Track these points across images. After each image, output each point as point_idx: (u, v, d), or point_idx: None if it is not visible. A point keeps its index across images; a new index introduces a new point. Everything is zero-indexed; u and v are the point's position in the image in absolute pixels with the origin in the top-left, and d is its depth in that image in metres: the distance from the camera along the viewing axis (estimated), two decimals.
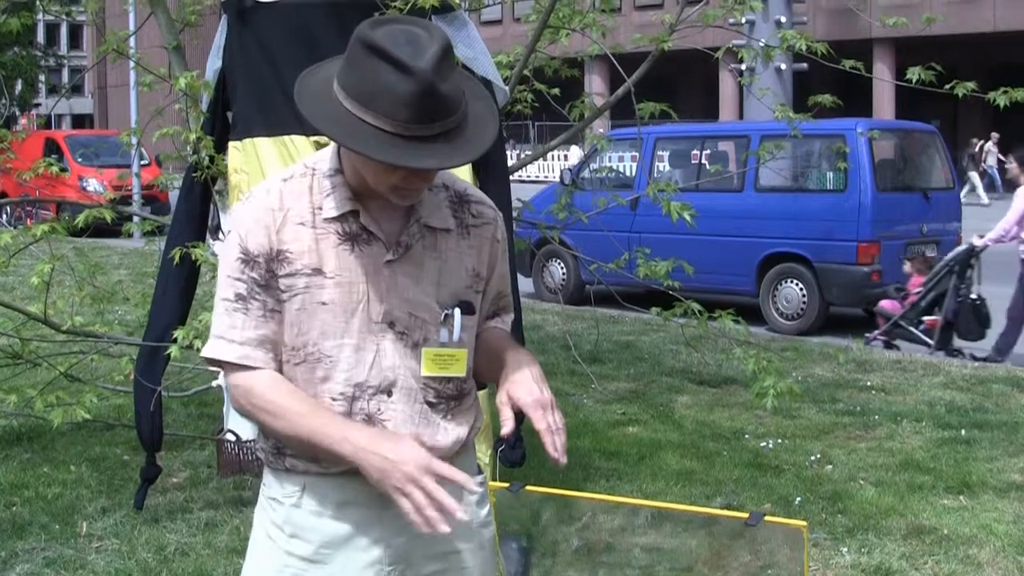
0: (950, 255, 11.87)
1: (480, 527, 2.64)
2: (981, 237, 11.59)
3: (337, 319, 2.46)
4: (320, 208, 2.48)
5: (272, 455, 2.56)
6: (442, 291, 2.52)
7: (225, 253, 2.51)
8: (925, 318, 11.82)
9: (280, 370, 2.51)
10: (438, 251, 2.53)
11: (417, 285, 2.50)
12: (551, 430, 2.45)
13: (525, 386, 2.48)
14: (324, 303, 2.45)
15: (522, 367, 2.53)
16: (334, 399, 2.47)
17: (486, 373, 2.64)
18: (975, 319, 11.51)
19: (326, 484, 2.50)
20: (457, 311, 2.52)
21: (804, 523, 2.79)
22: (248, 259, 2.47)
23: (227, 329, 2.48)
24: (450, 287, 2.54)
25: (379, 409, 2.48)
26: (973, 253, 11.69)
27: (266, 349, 2.50)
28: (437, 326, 2.52)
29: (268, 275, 2.47)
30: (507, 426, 2.46)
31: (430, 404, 2.52)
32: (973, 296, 11.50)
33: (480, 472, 2.70)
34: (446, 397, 2.55)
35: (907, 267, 12.45)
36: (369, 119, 2.32)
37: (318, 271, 2.45)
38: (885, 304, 12.21)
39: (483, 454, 5.68)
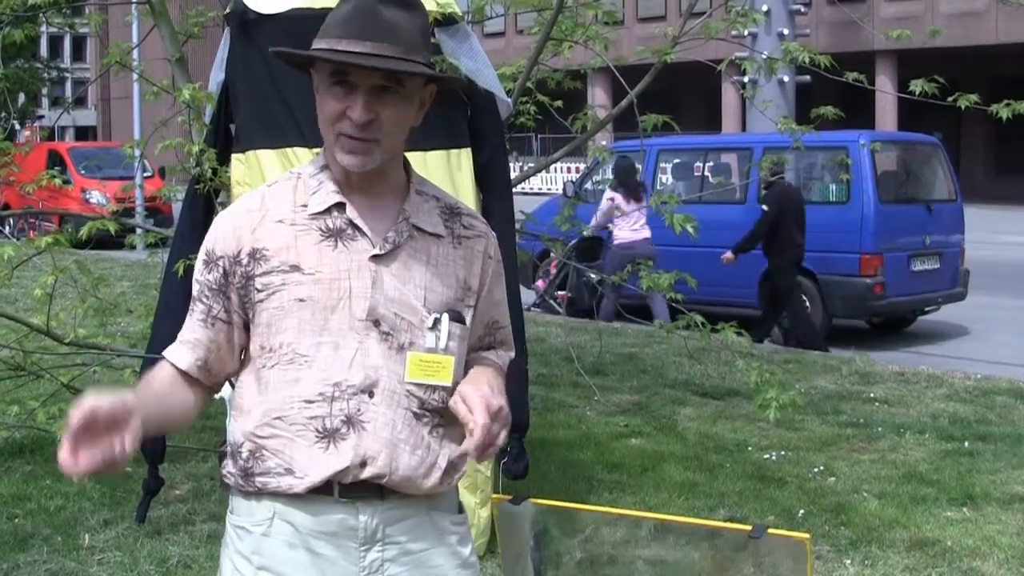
0: (572, 243, 13.65)
1: (461, 568, 2.55)
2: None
3: (315, 316, 2.41)
4: (304, 206, 2.46)
5: (241, 477, 2.48)
6: (431, 296, 2.47)
7: (199, 257, 2.54)
8: (558, 292, 14.57)
9: (206, 378, 2.53)
10: (428, 255, 2.49)
11: (404, 286, 2.45)
12: (487, 428, 2.30)
13: (477, 384, 2.42)
14: (302, 300, 2.41)
15: (481, 376, 2.50)
16: (310, 401, 2.41)
17: None
18: (589, 295, 13.80)
19: (297, 510, 2.43)
20: (446, 316, 2.47)
21: (807, 535, 2.78)
22: (209, 261, 2.49)
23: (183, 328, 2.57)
24: (440, 294, 2.48)
25: (359, 410, 2.40)
26: (584, 241, 13.86)
27: (196, 354, 2.51)
28: (424, 330, 2.45)
29: (224, 279, 2.47)
30: (466, 418, 2.34)
31: (415, 414, 2.45)
32: (594, 276, 13.00)
33: (461, 512, 2.62)
34: (431, 410, 2.47)
35: (552, 252, 14.04)
36: (315, 46, 2.41)
37: (295, 268, 2.42)
38: (539, 283, 14.88)
39: (484, 467, 5.68)
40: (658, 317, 13.16)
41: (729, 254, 12.66)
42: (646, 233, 13.52)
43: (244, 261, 2.45)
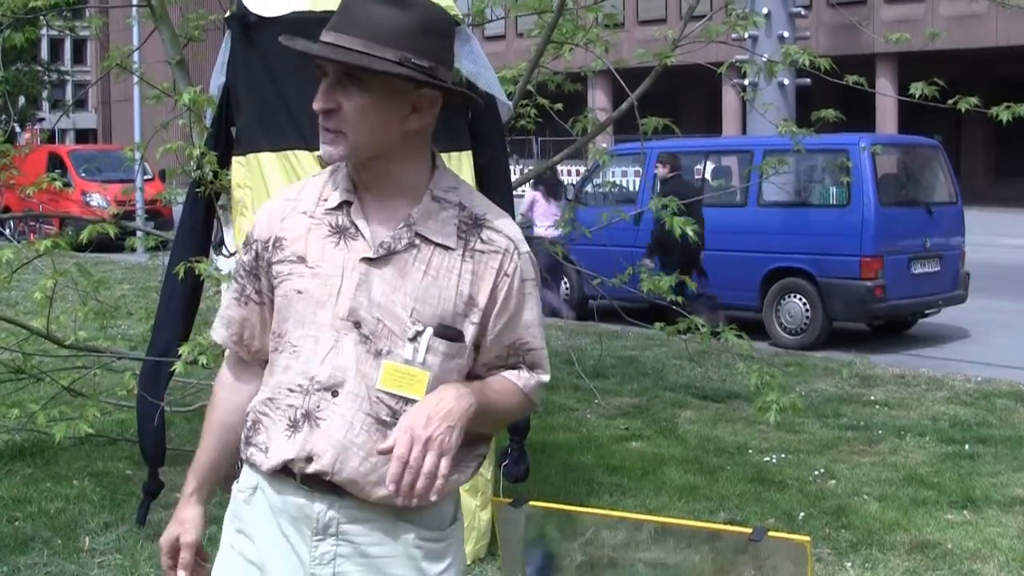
0: None
1: None
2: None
3: (308, 309, 2.45)
4: (325, 199, 2.50)
5: (244, 443, 2.57)
6: (424, 308, 2.42)
7: None
8: None
9: (245, 353, 2.64)
10: (429, 266, 2.43)
11: (393, 293, 2.41)
12: (402, 461, 2.28)
13: (415, 410, 2.35)
14: (300, 291, 2.46)
15: (437, 394, 2.39)
16: (292, 390, 2.46)
17: None
18: None
19: (270, 487, 2.51)
20: (429, 331, 2.42)
21: (808, 538, 2.78)
22: (247, 243, 2.58)
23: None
24: (433, 307, 2.43)
25: (318, 407, 2.43)
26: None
27: (230, 330, 2.63)
28: (404, 340, 2.42)
29: (255, 262, 2.56)
30: (384, 443, 2.35)
31: (382, 422, 2.41)
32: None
33: (446, 528, 2.56)
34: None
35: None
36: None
37: (302, 259, 2.47)
38: None
39: (484, 469, 5.67)
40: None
41: (647, 260, 12.53)
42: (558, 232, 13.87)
43: (269, 248, 2.53)
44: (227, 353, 2.71)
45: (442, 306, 2.44)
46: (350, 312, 2.42)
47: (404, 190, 2.48)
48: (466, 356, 2.49)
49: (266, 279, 2.54)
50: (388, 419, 2.41)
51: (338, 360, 2.42)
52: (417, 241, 2.45)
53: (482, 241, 2.48)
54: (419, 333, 2.42)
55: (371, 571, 2.47)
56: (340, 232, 2.46)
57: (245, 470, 2.58)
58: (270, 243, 2.52)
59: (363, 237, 2.44)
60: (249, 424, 2.55)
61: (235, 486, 2.62)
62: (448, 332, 2.43)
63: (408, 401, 2.41)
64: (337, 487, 2.44)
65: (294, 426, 2.45)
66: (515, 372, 2.55)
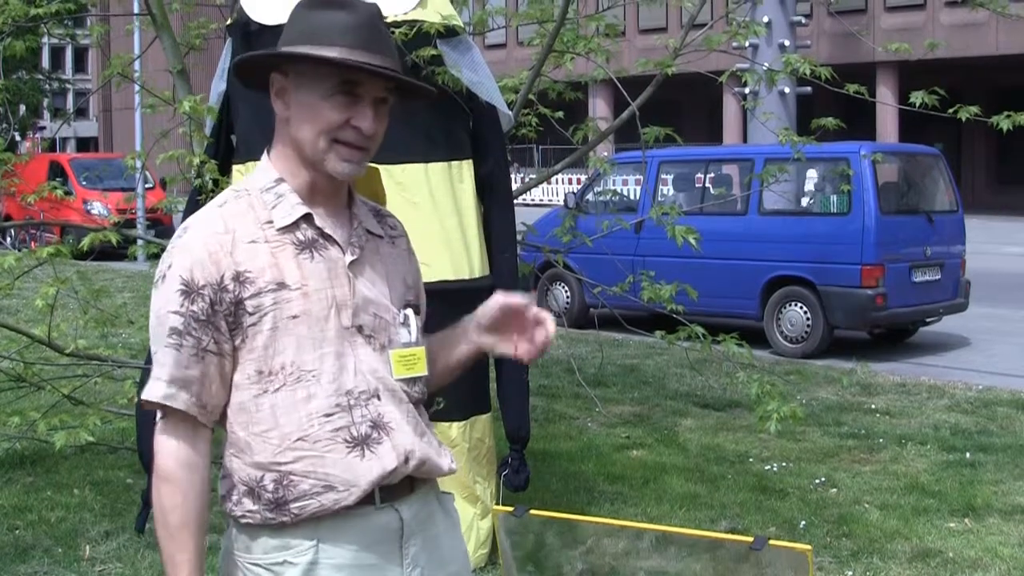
0: None
1: (459, 548, 2.65)
2: None
3: (312, 330, 2.38)
4: (270, 222, 2.41)
5: (271, 510, 2.37)
6: (393, 293, 2.52)
7: (163, 287, 2.38)
8: None
9: (205, 417, 2.39)
10: (381, 256, 2.54)
11: (374, 287, 2.48)
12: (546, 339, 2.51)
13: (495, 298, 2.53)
14: (296, 316, 2.37)
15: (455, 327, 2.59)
16: (329, 414, 2.37)
17: (438, 370, 2.64)
18: None
19: (340, 529, 2.39)
20: (410, 311, 2.54)
21: (809, 547, 2.78)
22: (190, 291, 2.35)
23: (159, 367, 2.38)
24: (398, 290, 2.55)
25: (379, 414, 2.42)
26: None
27: (191, 391, 2.36)
28: (397, 327, 2.50)
29: (211, 309, 2.35)
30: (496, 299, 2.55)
31: (408, 408, 2.50)
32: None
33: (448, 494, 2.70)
34: (414, 401, 2.51)
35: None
36: (315, 51, 2.38)
37: (282, 285, 2.37)
38: None
39: (481, 479, 5.68)
40: None
41: None
42: None
43: (229, 286, 2.35)
44: (166, 425, 2.39)
45: (400, 288, 2.56)
46: (354, 318, 2.43)
47: (342, 196, 2.54)
48: None
49: (225, 324, 2.36)
50: (409, 403, 2.50)
51: (363, 365, 2.43)
52: (369, 236, 2.54)
53: (391, 228, 2.64)
54: (406, 316, 2.52)
55: (434, 551, 2.53)
56: (308, 246, 2.42)
57: (283, 538, 2.38)
58: (227, 281, 2.35)
59: (335, 244, 2.46)
60: (271, 487, 2.37)
61: (263, 560, 2.40)
62: (415, 306, 2.59)
63: (416, 381, 2.52)
64: (408, 486, 2.49)
65: (361, 444, 2.38)
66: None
